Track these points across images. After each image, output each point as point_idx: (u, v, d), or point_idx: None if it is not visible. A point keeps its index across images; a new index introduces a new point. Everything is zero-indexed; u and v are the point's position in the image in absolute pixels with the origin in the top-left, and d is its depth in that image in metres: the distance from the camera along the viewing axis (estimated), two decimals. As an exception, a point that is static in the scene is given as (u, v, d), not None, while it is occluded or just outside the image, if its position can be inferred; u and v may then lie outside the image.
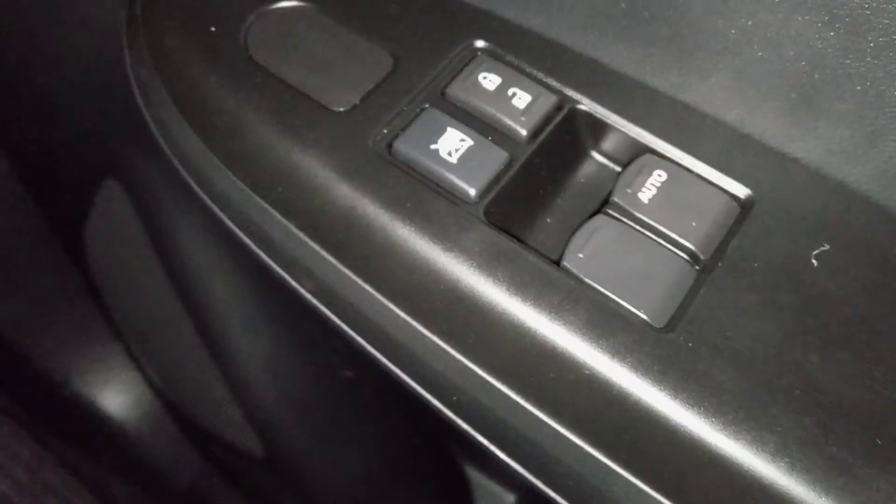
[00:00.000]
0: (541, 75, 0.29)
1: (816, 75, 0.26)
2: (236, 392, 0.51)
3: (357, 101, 0.28)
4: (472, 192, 0.26)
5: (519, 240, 0.26)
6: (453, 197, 0.26)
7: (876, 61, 0.24)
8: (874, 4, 0.24)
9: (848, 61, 0.25)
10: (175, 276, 0.51)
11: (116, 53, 0.37)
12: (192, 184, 0.31)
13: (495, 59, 0.29)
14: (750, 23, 0.26)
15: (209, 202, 0.30)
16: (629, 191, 0.26)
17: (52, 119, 0.56)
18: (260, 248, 0.30)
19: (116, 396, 0.68)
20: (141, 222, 0.52)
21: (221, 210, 0.31)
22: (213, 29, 0.30)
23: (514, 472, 0.27)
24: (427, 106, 0.28)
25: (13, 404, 0.71)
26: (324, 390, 0.52)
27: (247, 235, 0.30)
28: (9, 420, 0.64)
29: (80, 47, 0.47)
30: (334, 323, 0.28)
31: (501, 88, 0.28)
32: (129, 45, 0.35)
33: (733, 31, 0.26)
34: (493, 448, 0.27)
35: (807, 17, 0.25)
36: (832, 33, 0.25)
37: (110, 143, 0.51)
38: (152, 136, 0.34)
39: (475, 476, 0.61)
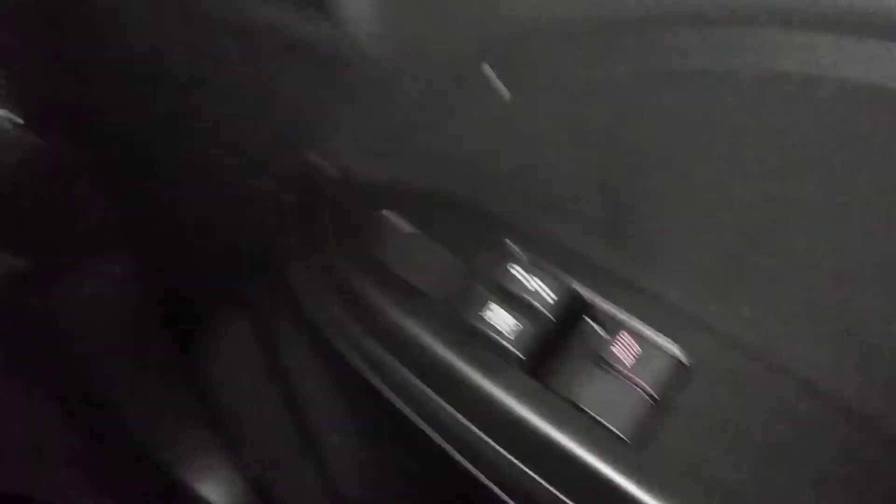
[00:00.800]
0: (551, 268, 0.45)
1: (729, 272, 0.41)
2: (327, 486, 0.65)
3: (441, 287, 0.45)
4: (516, 351, 0.42)
5: (545, 383, 0.41)
6: (504, 354, 0.42)
7: (774, 263, 0.40)
8: (760, 234, 0.40)
9: (752, 261, 0.41)
10: (281, 384, 0.67)
11: (258, 220, 0.55)
12: (332, 338, 0.48)
13: (527, 261, 0.46)
14: (683, 243, 0.42)
15: (348, 353, 0.47)
16: (614, 352, 0.42)
17: (192, 256, 0.74)
18: (375, 379, 0.47)
19: (215, 486, 0.82)
20: (258, 343, 0.68)
21: (351, 355, 0.47)
22: (356, 242, 0.48)
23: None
24: (490, 294, 0.45)
25: (119, 492, 0.85)
26: (407, 489, 0.65)
27: (369, 372, 0.46)
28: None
29: (227, 204, 0.65)
30: (426, 432, 0.44)
31: (526, 277, 0.45)
32: (281, 235, 0.53)
33: (675, 246, 0.43)
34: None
35: (720, 242, 0.41)
36: (737, 247, 0.41)
37: (242, 281, 0.68)
38: (294, 297, 0.52)
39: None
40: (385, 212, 0.49)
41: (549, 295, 0.44)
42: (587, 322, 0.46)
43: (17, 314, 0.77)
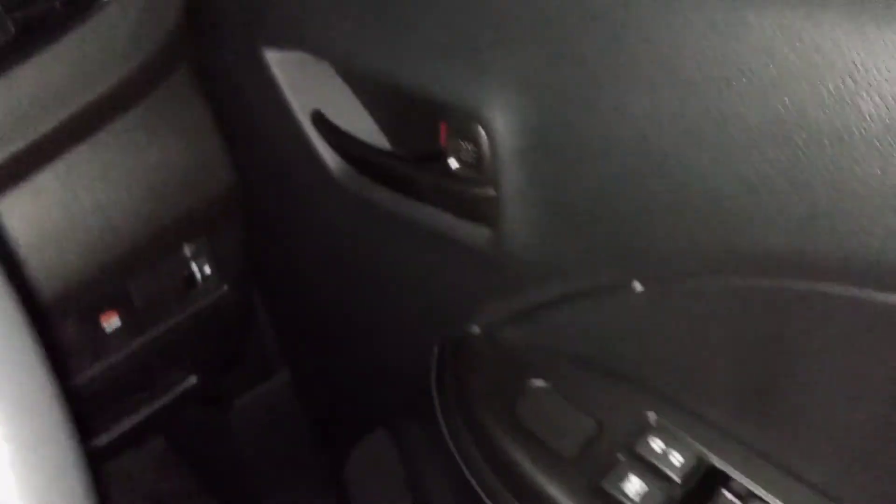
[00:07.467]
0: (687, 438, 0.48)
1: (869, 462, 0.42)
2: None
3: (576, 452, 0.49)
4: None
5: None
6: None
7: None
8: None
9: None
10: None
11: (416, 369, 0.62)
12: (470, 478, 0.53)
13: (660, 428, 0.49)
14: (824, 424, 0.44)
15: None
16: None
17: (354, 384, 0.82)
18: None
19: None
20: (399, 465, 0.75)
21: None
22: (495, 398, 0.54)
23: None
24: (620, 458, 0.48)
25: None
26: None
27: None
28: None
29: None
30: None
31: (664, 449, 0.48)
32: (437, 389, 0.59)
33: (816, 426, 0.44)
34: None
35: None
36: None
37: (395, 410, 0.75)
38: (439, 434, 0.57)
39: None
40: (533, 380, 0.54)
41: (685, 467, 0.46)
42: (724, 496, 0.48)
43: (198, 423, 0.90)
